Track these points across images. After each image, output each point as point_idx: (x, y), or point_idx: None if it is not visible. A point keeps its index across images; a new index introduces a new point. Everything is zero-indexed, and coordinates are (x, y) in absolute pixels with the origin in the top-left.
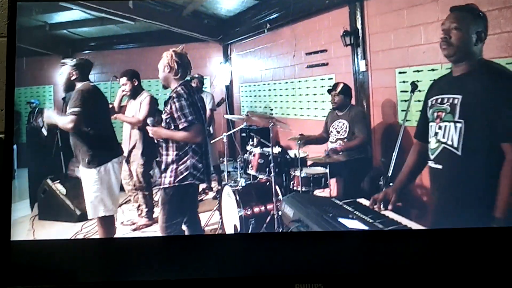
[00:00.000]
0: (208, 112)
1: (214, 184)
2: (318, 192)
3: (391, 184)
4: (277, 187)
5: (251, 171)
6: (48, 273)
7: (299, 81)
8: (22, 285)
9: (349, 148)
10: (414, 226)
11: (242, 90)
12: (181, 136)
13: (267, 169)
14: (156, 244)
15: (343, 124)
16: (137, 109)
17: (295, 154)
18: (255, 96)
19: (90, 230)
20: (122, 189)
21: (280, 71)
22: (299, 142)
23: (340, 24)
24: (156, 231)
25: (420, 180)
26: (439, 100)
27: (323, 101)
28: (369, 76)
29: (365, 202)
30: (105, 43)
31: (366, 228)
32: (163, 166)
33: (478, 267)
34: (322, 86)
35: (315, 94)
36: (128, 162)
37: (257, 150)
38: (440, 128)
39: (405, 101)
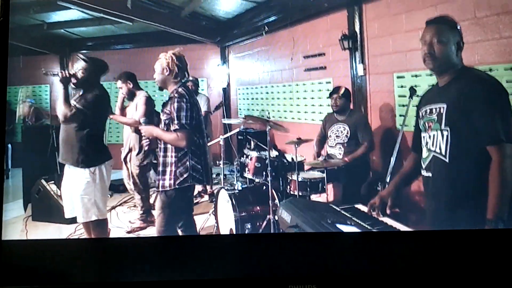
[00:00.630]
0: (203, 114)
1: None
2: (315, 197)
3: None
4: (273, 191)
5: (248, 175)
6: (39, 273)
7: (297, 85)
8: (13, 285)
9: (356, 158)
10: None
11: (239, 93)
12: (169, 138)
13: (264, 173)
14: (149, 245)
15: (344, 128)
16: (134, 110)
17: (292, 158)
18: (253, 99)
19: (84, 232)
20: (116, 190)
21: (278, 74)
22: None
23: (338, 27)
24: (151, 234)
25: (417, 187)
26: (427, 111)
27: (320, 105)
28: (367, 80)
29: (363, 208)
30: (102, 43)
31: None
32: (161, 168)
33: (471, 268)
34: (320, 90)
35: (312, 98)
36: (125, 162)
37: (254, 154)
38: (430, 137)
39: (403, 105)
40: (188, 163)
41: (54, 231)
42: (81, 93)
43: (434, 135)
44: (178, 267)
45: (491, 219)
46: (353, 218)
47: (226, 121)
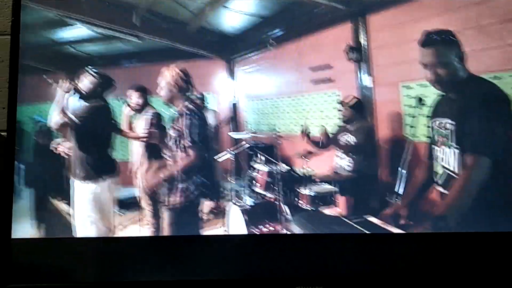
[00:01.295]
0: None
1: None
2: (326, 210)
3: (397, 200)
4: (284, 205)
5: (258, 189)
6: (48, 271)
7: (304, 97)
8: (23, 284)
9: (361, 167)
10: None
11: (246, 107)
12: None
13: (274, 187)
14: (158, 244)
15: (351, 138)
16: (144, 125)
17: (302, 172)
18: (260, 113)
19: None
20: (130, 208)
21: (285, 87)
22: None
23: (344, 39)
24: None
25: (432, 198)
26: (437, 123)
27: (328, 117)
28: (374, 90)
29: (374, 219)
30: (111, 60)
31: None
32: (169, 185)
33: (477, 271)
34: (327, 102)
35: (322, 111)
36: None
37: (263, 168)
38: (441, 152)
39: (411, 115)
40: (196, 178)
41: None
42: (81, 105)
43: (445, 152)
44: (184, 266)
45: (437, 215)
46: (364, 231)
47: (234, 135)
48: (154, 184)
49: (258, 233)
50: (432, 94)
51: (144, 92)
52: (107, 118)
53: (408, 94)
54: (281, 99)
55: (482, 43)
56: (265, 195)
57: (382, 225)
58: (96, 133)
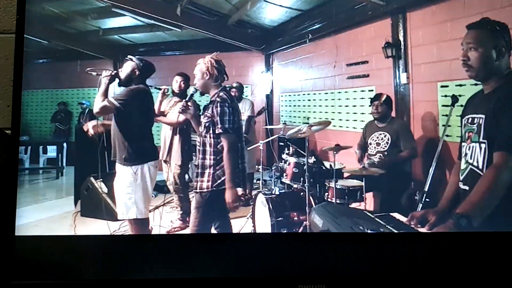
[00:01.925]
0: (246, 118)
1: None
2: (353, 205)
3: (427, 199)
4: (311, 197)
5: (286, 180)
6: (52, 268)
7: (339, 92)
8: (26, 280)
9: (397, 162)
10: None
11: (282, 100)
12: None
13: (302, 178)
14: (162, 242)
15: (385, 136)
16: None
17: (330, 165)
18: (295, 106)
19: (128, 229)
20: (161, 191)
21: (321, 82)
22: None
23: (382, 35)
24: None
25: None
26: (469, 120)
27: (362, 113)
28: (410, 89)
29: (398, 216)
30: (153, 49)
31: None
32: (199, 170)
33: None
34: (362, 98)
35: (355, 106)
36: (166, 163)
37: (292, 159)
38: (469, 148)
39: (446, 115)
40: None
41: (100, 226)
42: (124, 90)
43: (473, 147)
44: (187, 264)
45: (458, 213)
46: (387, 226)
47: (268, 126)
48: (183, 168)
49: (260, 232)
50: (468, 94)
51: (187, 78)
52: (148, 103)
53: (445, 94)
54: (316, 93)
55: None
56: (292, 186)
57: (406, 222)
58: (138, 118)
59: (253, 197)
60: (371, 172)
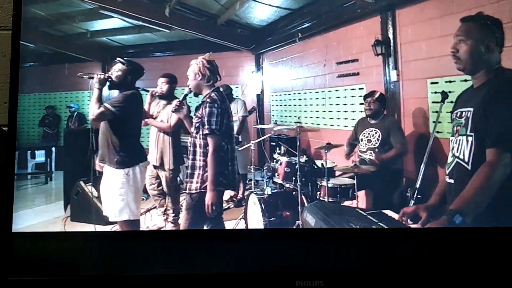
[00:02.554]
0: (240, 119)
1: (240, 192)
2: (345, 204)
3: (419, 196)
4: (303, 196)
5: (278, 180)
6: (49, 265)
7: (330, 91)
8: (24, 277)
9: (386, 160)
10: None
11: (272, 99)
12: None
13: (294, 178)
14: (159, 239)
15: (376, 132)
16: (169, 115)
17: (322, 164)
18: (286, 105)
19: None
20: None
21: (311, 81)
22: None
23: (371, 33)
24: None
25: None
26: (458, 114)
27: (353, 111)
28: (401, 86)
29: (390, 213)
30: (142, 50)
31: None
32: (189, 171)
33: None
34: (353, 96)
35: (345, 104)
36: (156, 167)
37: (284, 159)
38: (456, 142)
39: (436, 111)
40: (216, 167)
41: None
42: (115, 94)
43: (460, 140)
44: (184, 261)
45: (452, 209)
46: (379, 223)
47: (259, 126)
48: (175, 172)
49: (257, 228)
50: (457, 90)
51: (172, 80)
52: (141, 107)
53: (435, 91)
54: (306, 92)
55: None
56: (284, 185)
57: (397, 219)
58: (131, 121)
59: (245, 197)
60: (363, 170)
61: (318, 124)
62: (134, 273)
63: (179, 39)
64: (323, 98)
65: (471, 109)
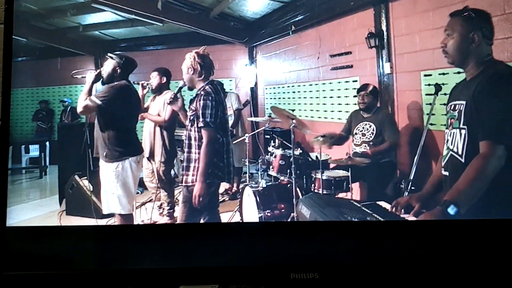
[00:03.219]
0: (235, 113)
1: (235, 185)
2: (340, 196)
3: (413, 188)
4: (298, 189)
5: (272, 172)
6: (43, 259)
7: (324, 84)
8: (18, 271)
9: (378, 152)
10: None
11: (266, 92)
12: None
13: (288, 170)
14: (153, 232)
15: (370, 126)
16: (161, 108)
17: (316, 156)
18: (279, 98)
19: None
20: (145, 187)
21: (305, 73)
22: (318, 139)
23: (365, 26)
24: None
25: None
26: (452, 107)
27: (347, 104)
28: (394, 78)
29: (385, 205)
30: (134, 44)
31: None
32: (185, 164)
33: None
34: (347, 89)
35: (339, 97)
36: (149, 160)
37: (278, 152)
38: (450, 135)
39: (429, 103)
40: (211, 159)
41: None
42: (107, 87)
43: (453, 133)
44: (179, 254)
45: (446, 200)
46: (373, 215)
47: (252, 118)
48: (167, 164)
49: (252, 221)
50: (451, 82)
51: (165, 74)
52: (130, 99)
53: (428, 83)
54: (300, 84)
55: (507, 31)
56: (279, 178)
57: (392, 211)
58: (120, 114)
59: (240, 190)
60: (357, 162)
61: (312, 117)
62: (127, 267)
63: (172, 32)
64: (317, 90)
65: (464, 102)
